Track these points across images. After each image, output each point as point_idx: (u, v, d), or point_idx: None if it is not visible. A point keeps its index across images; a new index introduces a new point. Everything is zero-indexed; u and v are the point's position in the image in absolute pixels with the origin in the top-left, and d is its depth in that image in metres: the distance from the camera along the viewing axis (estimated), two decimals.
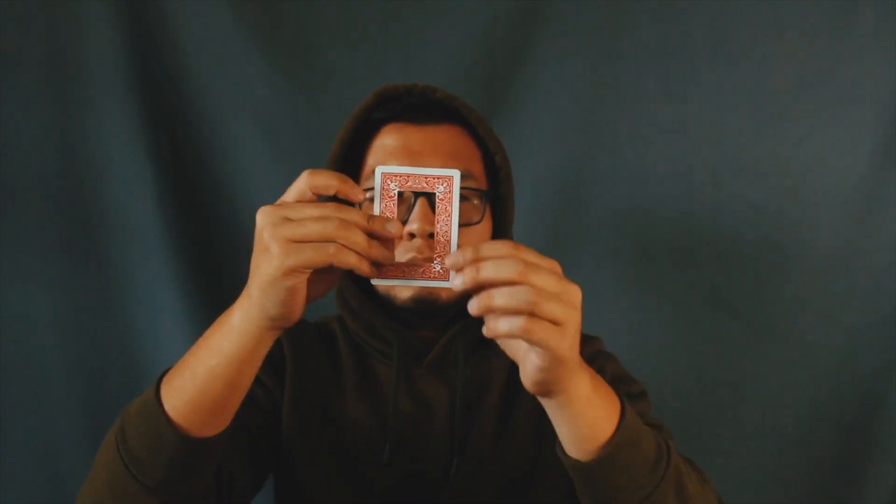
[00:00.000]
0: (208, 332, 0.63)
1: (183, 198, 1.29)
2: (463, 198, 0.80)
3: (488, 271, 0.53)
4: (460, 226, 0.76)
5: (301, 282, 0.56)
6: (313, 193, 0.57)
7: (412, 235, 0.75)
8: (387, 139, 0.82)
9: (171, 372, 0.65)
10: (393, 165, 0.61)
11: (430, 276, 0.60)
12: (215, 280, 1.30)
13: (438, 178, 0.60)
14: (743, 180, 1.30)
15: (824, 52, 1.28)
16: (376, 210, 0.60)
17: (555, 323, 0.53)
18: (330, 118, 0.84)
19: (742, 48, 1.29)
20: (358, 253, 0.56)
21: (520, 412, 0.86)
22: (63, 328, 1.26)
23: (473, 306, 0.54)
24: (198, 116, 1.29)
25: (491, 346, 0.85)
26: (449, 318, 0.84)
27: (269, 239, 0.55)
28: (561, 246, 1.32)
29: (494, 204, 0.87)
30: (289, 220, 0.55)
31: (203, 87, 1.28)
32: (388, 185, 0.60)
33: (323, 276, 0.61)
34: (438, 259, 0.60)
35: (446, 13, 1.30)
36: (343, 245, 0.55)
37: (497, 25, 1.30)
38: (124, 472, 0.63)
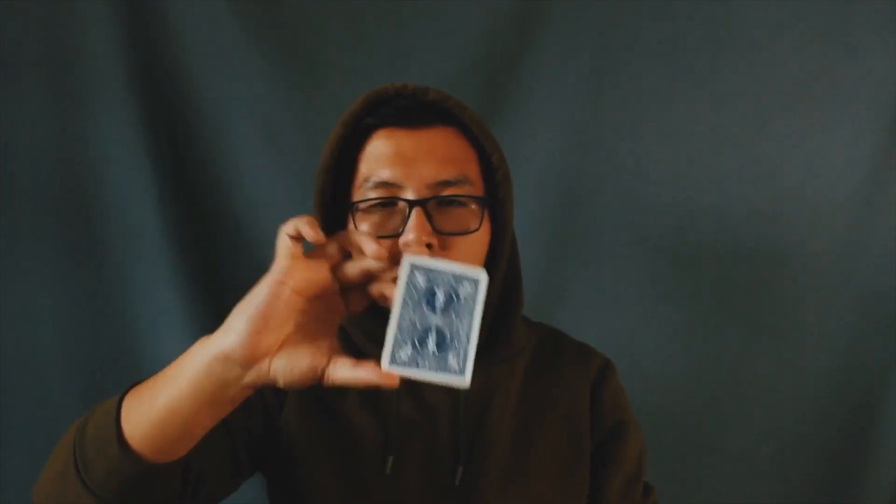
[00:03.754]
0: (175, 362, 0.62)
1: (183, 197, 1.29)
2: (460, 204, 0.78)
3: None
4: (457, 234, 0.76)
5: (297, 294, 0.60)
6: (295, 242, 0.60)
7: (408, 247, 0.73)
8: (379, 145, 0.79)
9: (136, 388, 0.63)
10: (422, 258, 0.62)
11: (443, 370, 0.61)
12: (215, 280, 1.30)
13: (466, 279, 0.61)
14: (743, 181, 1.31)
15: (824, 52, 1.28)
16: (398, 300, 0.61)
17: None
18: (329, 118, 0.83)
19: (742, 49, 1.29)
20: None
21: (523, 419, 0.85)
22: (63, 328, 1.26)
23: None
24: (198, 116, 1.28)
25: (496, 352, 0.85)
26: None
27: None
28: (561, 246, 1.32)
29: (493, 205, 0.84)
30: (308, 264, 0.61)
31: (203, 86, 1.28)
32: (415, 275, 0.61)
33: (307, 347, 0.62)
34: (454, 354, 0.61)
35: (446, 13, 1.29)
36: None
37: (497, 25, 1.30)
38: (73, 466, 0.62)
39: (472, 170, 0.81)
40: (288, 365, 0.60)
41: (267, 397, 0.83)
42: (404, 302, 0.60)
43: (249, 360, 0.58)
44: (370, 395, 0.84)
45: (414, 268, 0.61)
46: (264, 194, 1.30)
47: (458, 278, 0.61)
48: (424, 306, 0.61)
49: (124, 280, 1.27)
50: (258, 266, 1.40)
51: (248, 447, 0.80)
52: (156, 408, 0.60)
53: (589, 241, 1.33)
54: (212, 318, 1.26)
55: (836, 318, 1.31)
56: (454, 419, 0.83)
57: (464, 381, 0.60)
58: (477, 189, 0.81)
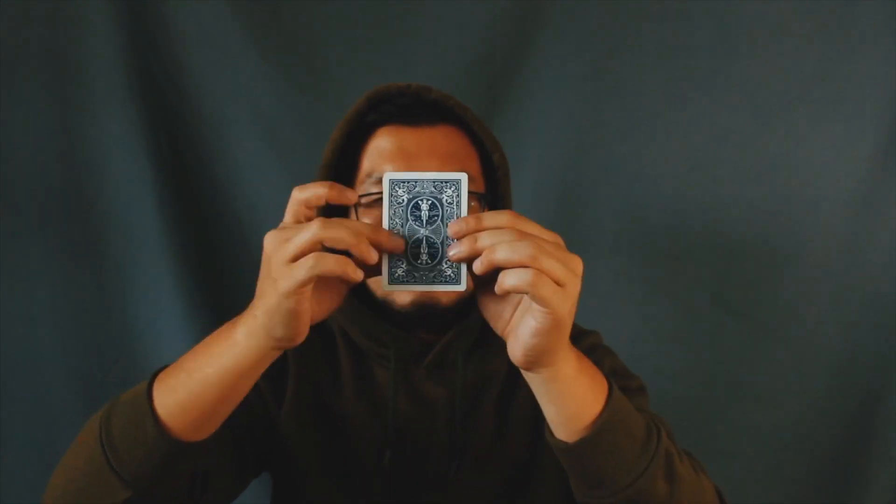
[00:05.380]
0: (210, 340, 0.63)
1: (182, 197, 1.28)
2: None
3: (486, 240, 0.56)
4: None
5: (300, 303, 0.56)
6: (308, 209, 0.59)
7: None
8: (381, 142, 0.81)
9: (166, 370, 0.65)
10: (400, 172, 0.62)
11: (440, 280, 0.61)
12: (215, 280, 1.30)
13: (446, 182, 0.61)
14: (743, 180, 1.31)
15: (824, 52, 1.28)
16: (385, 219, 0.60)
17: (557, 283, 0.54)
18: (330, 118, 0.83)
19: (742, 48, 1.29)
20: (356, 261, 0.56)
21: (517, 411, 0.85)
22: (63, 328, 1.26)
23: (477, 264, 0.56)
24: (197, 116, 1.29)
25: (489, 347, 0.86)
26: (446, 321, 0.83)
27: (270, 264, 0.56)
28: None
29: (493, 204, 0.86)
30: (285, 241, 0.56)
31: (203, 86, 1.28)
32: (397, 191, 0.60)
33: (326, 295, 0.61)
34: (448, 262, 0.61)
35: (446, 13, 1.29)
36: (339, 255, 0.55)
37: (497, 25, 1.30)
38: (102, 458, 0.63)
39: (473, 167, 0.83)
40: (319, 315, 0.61)
41: (265, 394, 0.83)
42: (391, 220, 0.61)
43: (298, 340, 0.60)
44: (366, 389, 0.85)
45: (394, 183, 0.61)
46: (264, 194, 1.30)
47: (439, 184, 0.61)
48: (411, 219, 0.61)
49: (124, 280, 1.28)
50: (258, 266, 1.40)
51: (250, 445, 0.80)
52: (193, 384, 0.62)
53: (588, 240, 1.33)
54: (212, 318, 1.28)
55: (836, 318, 1.31)
56: (450, 413, 0.83)
57: (460, 286, 0.60)
58: (478, 186, 0.82)
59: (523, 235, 0.55)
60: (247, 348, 0.60)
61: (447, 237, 0.60)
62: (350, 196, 0.59)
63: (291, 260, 0.55)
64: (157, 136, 1.27)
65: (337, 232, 0.55)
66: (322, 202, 0.58)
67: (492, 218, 0.57)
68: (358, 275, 0.56)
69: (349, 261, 0.56)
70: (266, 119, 1.29)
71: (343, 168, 0.83)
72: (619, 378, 0.87)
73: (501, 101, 1.32)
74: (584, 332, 0.93)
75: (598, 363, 0.86)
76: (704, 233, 1.32)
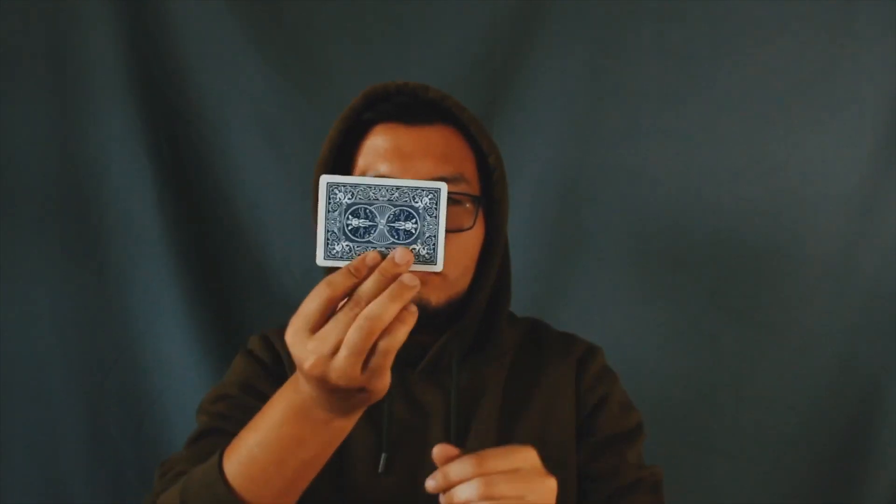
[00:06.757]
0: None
1: (182, 197, 1.28)
2: (455, 202, 0.78)
3: (456, 497, 0.58)
4: (451, 231, 0.75)
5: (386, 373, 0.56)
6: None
7: None
8: (377, 140, 0.80)
9: (233, 454, 0.63)
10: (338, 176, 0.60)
11: (417, 261, 0.59)
12: (215, 280, 1.30)
13: (425, 191, 0.59)
14: (742, 181, 1.30)
15: (823, 53, 1.27)
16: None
17: None
18: (330, 118, 0.83)
19: (742, 49, 1.28)
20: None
21: (520, 420, 0.84)
22: (63, 327, 1.26)
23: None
24: (197, 115, 1.28)
25: (484, 353, 0.85)
26: (441, 323, 0.82)
27: (334, 374, 0.54)
28: (560, 246, 1.32)
29: (488, 207, 0.85)
30: (332, 351, 0.54)
31: (203, 85, 1.28)
32: (374, 196, 0.59)
33: None
34: (421, 245, 0.59)
35: (446, 13, 1.29)
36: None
37: (498, 25, 1.30)
38: None
39: (469, 168, 0.82)
40: None
41: (263, 399, 0.83)
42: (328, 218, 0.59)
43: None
44: None
45: (370, 188, 0.58)
46: (264, 194, 1.29)
47: (419, 192, 0.59)
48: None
49: (124, 280, 1.27)
50: (258, 266, 1.39)
51: None
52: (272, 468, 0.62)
53: (588, 241, 1.32)
54: (211, 318, 1.28)
55: (836, 319, 1.30)
56: (446, 420, 0.83)
57: (437, 267, 0.59)
58: (473, 188, 0.81)
59: (489, 488, 0.57)
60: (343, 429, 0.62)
61: (427, 225, 0.59)
62: (370, 261, 0.56)
63: (359, 355, 0.53)
64: (157, 135, 1.26)
65: (379, 310, 0.53)
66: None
67: (457, 470, 0.58)
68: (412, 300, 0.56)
69: (401, 308, 0.55)
70: (266, 119, 1.29)
71: (339, 165, 0.82)
72: (619, 416, 0.87)
73: (501, 102, 1.32)
74: (592, 347, 0.92)
75: (607, 396, 0.87)
76: (704, 234, 1.31)
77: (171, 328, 1.27)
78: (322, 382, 0.55)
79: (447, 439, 0.82)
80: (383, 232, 0.59)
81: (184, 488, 0.64)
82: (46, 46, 1.24)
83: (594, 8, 1.29)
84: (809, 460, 1.32)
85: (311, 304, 0.54)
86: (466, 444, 0.82)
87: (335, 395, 0.56)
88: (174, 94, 1.28)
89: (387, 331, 0.54)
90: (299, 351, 0.55)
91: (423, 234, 0.59)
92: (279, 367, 0.86)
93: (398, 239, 0.59)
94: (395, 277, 0.55)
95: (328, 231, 0.59)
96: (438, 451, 0.60)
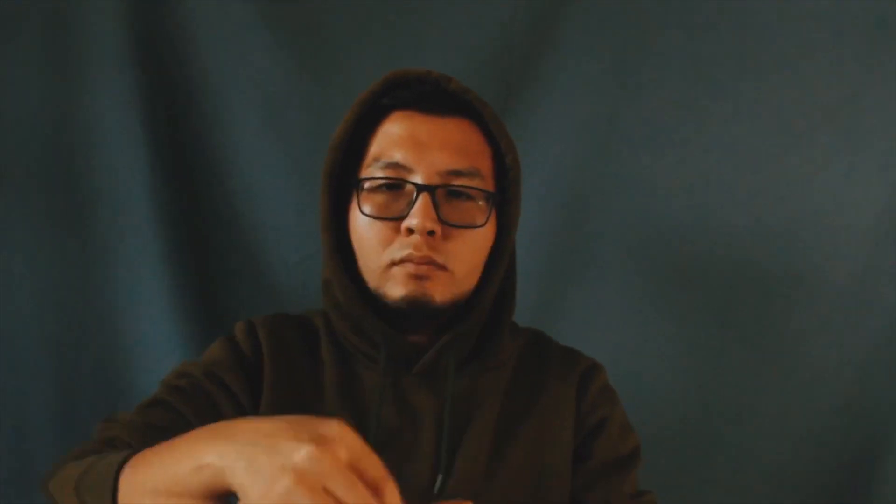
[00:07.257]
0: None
1: (175, 173, 1.25)
2: (468, 197, 0.78)
3: None
4: (463, 226, 0.76)
5: None
6: None
7: (410, 231, 0.73)
8: (393, 127, 0.79)
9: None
10: None
11: None
12: (203, 262, 1.27)
13: None
14: (760, 200, 1.26)
15: (853, 77, 1.24)
16: None
17: None
18: (336, 105, 0.82)
19: (770, 64, 1.25)
20: None
21: (514, 437, 0.81)
22: (40, 299, 1.22)
23: None
24: (198, 90, 1.25)
25: (484, 360, 0.83)
26: (441, 324, 0.80)
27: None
28: (565, 255, 1.29)
29: (501, 206, 0.83)
30: None
31: (205, 59, 1.25)
32: None
33: None
34: None
35: (463, 7, 1.26)
36: None
37: (516, 20, 1.27)
38: None
39: (485, 165, 0.81)
40: None
41: (240, 397, 0.79)
42: None
43: None
44: (350, 394, 0.81)
45: None
46: (260, 176, 1.26)
47: None
48: None
49: (108, 255, 1.24)
50: (250, 250, 1.37)
51: None
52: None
53: (594, 249, 1.29)
54: (197, 301, 1.24)
55: (846, 353, 1.26)
56: (438, 427, 0.79)
57: None
58: (487, 185, 0.80)
59: None
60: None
61: None
62: None
63: None
64: (154, 108, 1.23)
65: None
66: None
67: None
68: None
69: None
70: (269, 96, 1.26)
71: (352, 149, 0.81)
72: (618, 440, 0.84)
73: (516, 99, 1.29)
74: (595, 365, 0.89)
75: (607, 418, 0.84)
76: (716, 251, 1.28)
77: (153, 308, 1.23)
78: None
79: (437, 446, 0.79)
80: None
81: (81, 476, 0.59)
82: (44, 12, 1.21)
83: (616, 11, 1.26)
84: (808, 495, 1.28)
85: None
86: (456, 456, 0.79)
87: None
88: (175, 66, 1.24)
89: None
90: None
91: None
92: (257, 359, 0.82)
93: None
94: None
95: None
96: None
